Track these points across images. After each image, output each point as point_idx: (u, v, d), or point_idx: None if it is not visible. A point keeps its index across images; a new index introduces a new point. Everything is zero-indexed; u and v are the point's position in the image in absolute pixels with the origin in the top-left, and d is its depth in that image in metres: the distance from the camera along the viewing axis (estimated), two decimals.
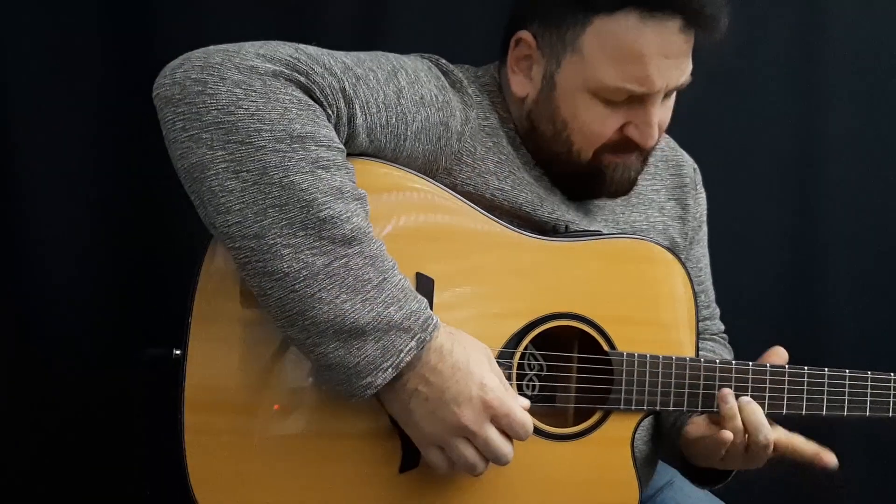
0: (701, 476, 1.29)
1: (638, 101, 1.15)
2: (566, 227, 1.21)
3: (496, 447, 1.00)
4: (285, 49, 1.00)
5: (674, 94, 1.20)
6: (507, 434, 1.01)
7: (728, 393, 1.17)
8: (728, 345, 1.46)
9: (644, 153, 1.22)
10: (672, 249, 1.23)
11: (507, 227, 1.14)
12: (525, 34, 1.19)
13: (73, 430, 1.49)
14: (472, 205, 1.13)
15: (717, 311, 1.47)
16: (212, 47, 0.99)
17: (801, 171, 1.90)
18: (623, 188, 1.24)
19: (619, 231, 1.29)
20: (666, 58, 1.12)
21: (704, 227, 1.44)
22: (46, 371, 1.48)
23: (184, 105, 0.95)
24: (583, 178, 1.22)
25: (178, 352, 1.02)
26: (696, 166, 1.43)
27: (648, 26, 1.10)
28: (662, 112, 1.18)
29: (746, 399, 1.17)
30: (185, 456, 1.00)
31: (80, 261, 1.51)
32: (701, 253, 1.44)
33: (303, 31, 1.45)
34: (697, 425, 1.22)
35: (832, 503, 1.93)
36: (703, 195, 1.44)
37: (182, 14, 1.52)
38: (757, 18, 1.83)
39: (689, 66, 1.16)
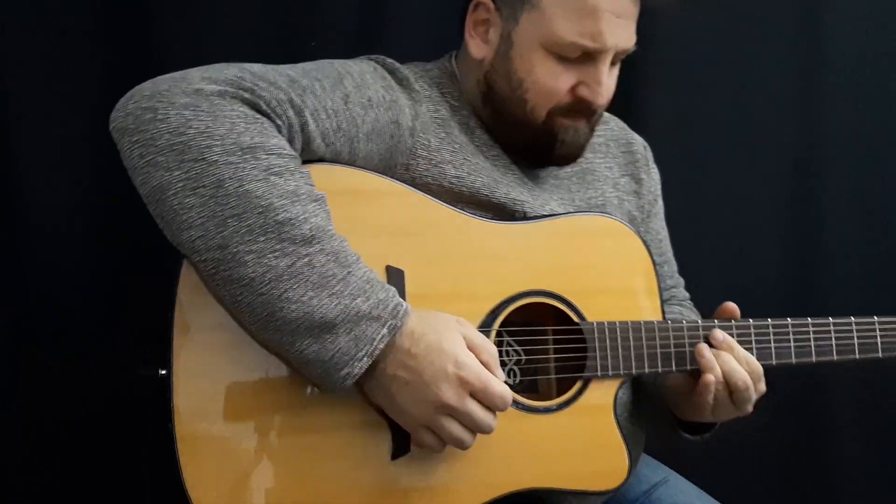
0: (690, 428, 1.33)
1: (590, 59, 1.21)
2: (524, 214, 1.25)
3: (479, 420, 1.04)
4: (230, 70, 1.05)
5: (618, 65, 1.27)
6: (488, 406, 1.05)
7: (703, 346, 1.22)
8: (694, 308, 1.50)
9: (592, 121, 1.28)
10: (625, 221, 1.28)
11: (469, 215, 1.18)
12: None
13: (73, 433, 1.49)
14: (433, 197, 1.17)
15: (682, 281, 1.52)
16: (159, 77, 1.04)
17: (801, 166, 1.94)
18: (573, 153, 1.29)
19: (576, 208, 1.33)
20: (617, 17, 1.19)
21: (660, 202, 1.49)
22: (46, 373, 1.48)
23: (137, 133, 0.99)
24: (536, 142, 1.27)
25: (163, 371, 1.05)
26: (646, 144, 1.49)
27: None
28: (610, 78, 1.25)
29: (717, 348, 1.22)
30: (180, 464, 1.02)
31: (80, 262, 1.52)
32: (659, 226, 1.48)
33: (302, 31, 1.47)
34: (678, 380, 1.27)
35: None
36: (656, 171, 1.49)
37: (181, 16, 1.54)
38: (757, 18, 1.89)
39: (634, 35, 1.24)
